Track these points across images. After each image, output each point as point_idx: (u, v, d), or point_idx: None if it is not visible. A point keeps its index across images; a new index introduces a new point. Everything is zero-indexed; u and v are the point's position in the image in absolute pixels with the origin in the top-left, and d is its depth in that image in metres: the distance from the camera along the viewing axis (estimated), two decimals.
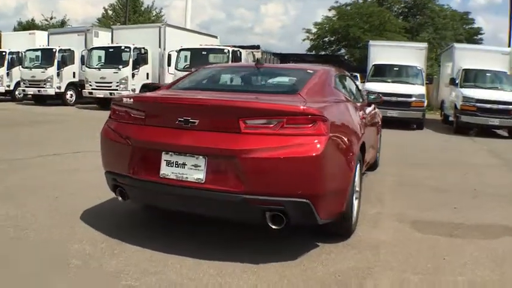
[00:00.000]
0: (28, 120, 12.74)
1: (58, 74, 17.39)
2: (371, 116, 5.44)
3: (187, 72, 4.53)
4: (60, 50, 17.49)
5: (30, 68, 17.93)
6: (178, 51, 16.47)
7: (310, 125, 2.95)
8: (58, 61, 17.38)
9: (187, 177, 3.03)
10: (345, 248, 3.52)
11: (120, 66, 16.16)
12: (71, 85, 17.86)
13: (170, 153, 3.10)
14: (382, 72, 15.80)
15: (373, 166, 6.37)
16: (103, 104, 16.81)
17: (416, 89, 14.49)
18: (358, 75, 22.28)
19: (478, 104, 12.40)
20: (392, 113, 13.41)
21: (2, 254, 3.11)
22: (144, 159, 3.24)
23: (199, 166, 3.01)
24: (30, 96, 18.51)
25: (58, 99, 17.69)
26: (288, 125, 2.93)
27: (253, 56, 20.05)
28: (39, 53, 18.27)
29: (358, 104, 4.71)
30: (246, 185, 2.90)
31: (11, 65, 19.49)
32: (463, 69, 13.98)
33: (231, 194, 2.92)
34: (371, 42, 19.00)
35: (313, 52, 38.03)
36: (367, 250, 3.49)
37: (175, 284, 2.80)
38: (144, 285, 2.75)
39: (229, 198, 2.93)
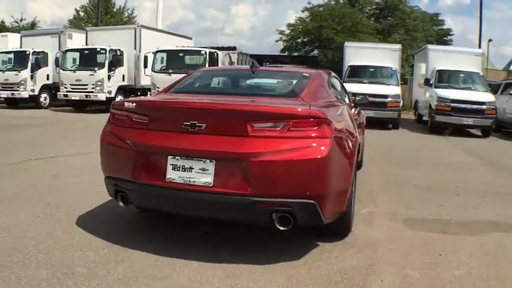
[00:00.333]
0: (2, 124, 12.37)
1: (32, 77, 16.96)
2: (358, 116, 5.59)
3: (183, 76, 4.50)
4: (33, 52, 17.08)
5: (3, 71, 17.44)
6: (155, 53, 16.34)
7: (315, 128, 3.03)
8: (32, 63, 16.97)
9: (194, 181, 3.05)
10: (344, 247, 3.61)
11: (96, 68, 15.92)
12: (44, 88, 17.47)
13: (176, 157, 3.11)
14: (358, 73, 16.10)
15: (358, 166, 6.50)
16: (78, 106, 16.54)
17: (392, 90, 14.84)
18: None
19: (453, 104, 12.82)
20: (369, 113, 13.59)
21: (5, 265, 3.03)
22: (149, 164, 3.23)
23: (207, 170, 3.03)
24: (3, 99, 17.96)
25: (32, 102, 17.25)
26: (293, 128, 3.00)
27: (230, 57, 20.10)
28: (12, 56, 17.82)
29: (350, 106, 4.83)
30: (255, 188, 2.94)
31: None
32: (437, 70, 14.41)
33: (240, 196, 2.96)
34: (346, 44, 19.35)
35: (286, 53, 38.31)
36: (366, 248, 3.60)
37: None
38: None
39: (238, 201, 2.97)
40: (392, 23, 37.79)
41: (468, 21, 75.96)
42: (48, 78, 17.57)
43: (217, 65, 16.75)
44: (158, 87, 15.69)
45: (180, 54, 16.85)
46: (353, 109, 5.45)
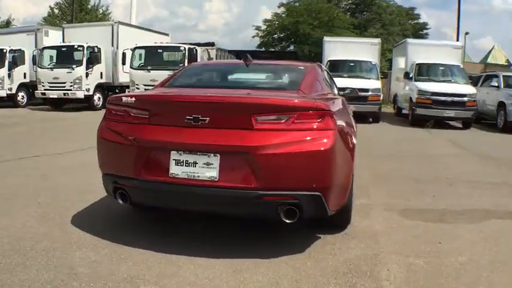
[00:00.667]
0: None
1: (9, 75, 16.42)
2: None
3: (176, 73, 4.41)
4: (10, 51, 16.55)
5: None
6: (133, 50, 16.08)
7: (319, 120, 3.02)
8: (9, 62, 16.43)
9: (199, 176, 3.00)
10: (345, 238, 3.63)
11: (74, 66, 15.57)
12: (22, 86, 16.93)
13: (180, 152, 3.05)
14: (338, 67, 16.13)
15: None
16: (55, 104, 16.16)
17: (372, 84, 14.96)
18: None
19: (434, 97, 13.03)
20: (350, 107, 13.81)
21: (5, 268, 2.92)
22: (151, 160, 3.16)
23: (212, 164, 2.99)
24: None
25: (9, 101, 16.72)
26: (298, 120, 2.98)
27: (208, 53, 19.95)
28: None
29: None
30: (261, 181, 2.92)
31: None
32: (417, 64, 14.60)
33: (247, 190, 2.93)
34: (325, 39, 19.42)
35: (263, 49, 38.32)
36: (367, 239, 3.63)
37: (195, 285, 2.77)
38: None
39: (245, 195, 2.94)
40: (368, 18, 38.22)
41: (442, 15, 77.47)
42: (25, 77, 17.06)
43: (197, 61, 16.66)
44: (137, 84, 15.52)
45: (159, 51, 16.64)
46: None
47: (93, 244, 3.36)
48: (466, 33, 31.27)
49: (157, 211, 4.08)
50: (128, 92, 16.24)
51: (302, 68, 4.17)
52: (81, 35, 16.86)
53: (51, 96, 15.73)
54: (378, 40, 18.35)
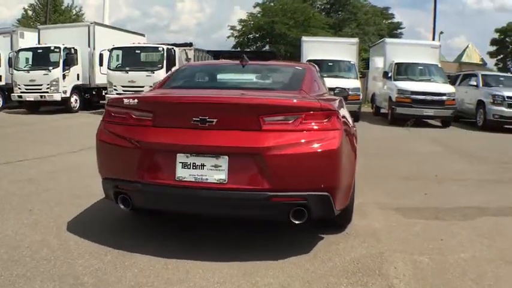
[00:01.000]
0: None
1: None
2: None
3: (172, 74, 4.34)
4: None
5: None
6: (111, 51, 15.77)
7: (325, 120, 3.03)
8: None
9: (207, 179, 2.96)
10: (348, 238, 3.65)
11: (50, 68, 15.14)
12: None
13: (186, 154, 3.00)
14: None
15: None
16: (32, 107, 15.73)
17: (352, 83, 15.09)
18: None
19: (413, 96, 13.26)
20: None
21: (7, 280, 2.80)
22: (156, 163, 3.10)
23: (220, 166, 2.95)
24: None
25: None
26: (305, 120, 2.98)
27: (186, 54, 19.76)
28: None
29: None
30: (271, 182, 2.90)
31: None
32: (396, 63, 14.83)
33: (256, 192, 2.91)
34: (304, 39, 19.57)
35: (239, 49, 38.32)
36: (369, 238, 3.66)
37: None
38: None
39: (254, 197, 2.92)
40: (343, 17, 38.69)
41: (415, 14, 79.23)
42: (1, 80, 16.54)
43: (175, 62, 16.52)
44: (115, 86, 15.24)
45: (137, 51, 16.37)
46: None
47: (94, 251, 3.27)
48: (441, 33, 32.01)
49: (153, 215, 4.01)
50: (105, 94, 16.01)
51: (300, 68, 4.18)
52: (57, 36, 16.41)
53: (27, 99, 15.29)
54: (356, 40, 18.58)
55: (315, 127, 3.00)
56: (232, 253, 3.24)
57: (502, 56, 42.78)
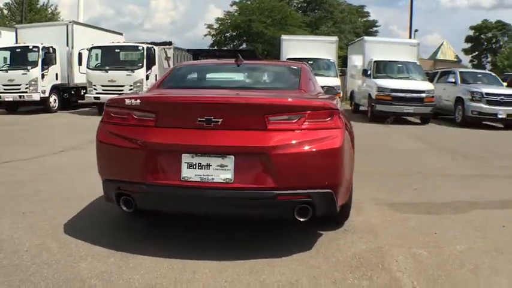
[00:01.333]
0: None
1: None
2: None
3: (168, 73, 4.32)
4: None
5: None
6: (90, 50, 15.55)
7: (328, 119, 3.10)
8: None
9: (213, 179, 2.98)
10: (346, 234, 3.73)
11: (29, 67, 14.83)
12: None
13: (192, 155, 3.01)
14: None
15: None
16: (10, 107, 15.37)
17: (331, 81, 15.22)
18: None
19: (393, 94, 13.50)
20: None
21: (10, 286, 2.75)
22: (160, 163, 3.09)
23: (226, 166, 2.97)
24: None
25: None
26: (308, 119, 3.03)
27: (166, 52, 19.61)
28: None
29: None
30: (276, 181, 2.94)
31: None
32: (375, 61, 15.06)
33: (263, 191, 2.95)
34: (283, 37, 19.70)
35: (216, 47, 38.26)
36: (367, 233, 3.75)
37: None
38: None
39: (260, 195, 2.96)
40: (320, 16, 39.06)
41: (388, 12, 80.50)
42: None
43: (155, 61, 16.41)
44: (95, 85, 15.07)
45: (116, 51, 16.20)
46: None
47: (96, 253, 3.24)
48: (416, 31, 32.66)
49: (149, 216, 3.98)
50: (84, 93, 15.76)
51: (295, 67, 4.23)
52: (35, 36, 16.09)
53: (6, 99, 14.93)
54: (335, 38, 18.83)
55: (319, 126, 3.06)
56: (234, 252, 3.27)
57: (476, 53, 43.97)
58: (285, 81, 4.09)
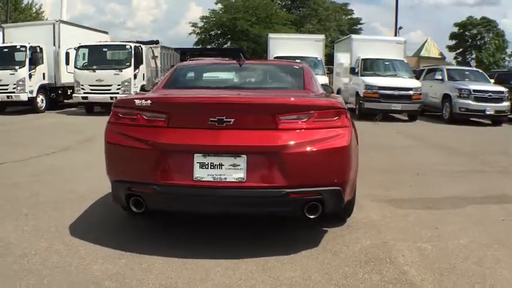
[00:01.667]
0: None
1: None
2: None
3: (171, 74, 4.32)
4: None
5: None
6: (77, 49, 15.40)
7: (336, 118, 3.18)
8: None
9: (226, 178, 3.02)
10: (351, 230, 3.81)
11: (17, 67, 14.61)
12: None
13: (204, 154, 3.04)
14: None
15: None
16: None
17: (320, 79, 15.34)
18: None
19: (381, 91, 13.66)
20: None
21: None
22: (171, 164, 3.12)
23: (239, 165, 3.01)
24: None
25: None
26: (317, 118, 3.11)
27: (152, 51, 19.54)
28: None
29: None
30: (288, 179, 3.00)
31: None
32: (362, 59, 15.19)
33: (275, 189, 3.01)
34: (270, 35, 19.79)
35: (200, 46, 38.16)
36: (370, 229, 3.84)
37: (233, 286, 2.80)
38: None
39: (273, 194, 3.01)
40: (304, 14, 39.23)
41: (370, 9, 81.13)
42: None
43: (143, 60, 16.34)
44: (82, 85, 14.95)
45: (104, 50, 16.11)
46: None
47: (106, 255, 3.24)
48: (400, 28, 33.03)
49: (153, 216, 3.99)
50: (71, 93, 15.59)
51: (297, 67, 4.29)
52: (21, 35, 15.86)
53: None
54: (322, 36, 18.98)
55: (327, 125, 3.14)
56: (243, 250, 3.31)
57: (461, 49, 44.48)
58: (290, 81, 4.16)
